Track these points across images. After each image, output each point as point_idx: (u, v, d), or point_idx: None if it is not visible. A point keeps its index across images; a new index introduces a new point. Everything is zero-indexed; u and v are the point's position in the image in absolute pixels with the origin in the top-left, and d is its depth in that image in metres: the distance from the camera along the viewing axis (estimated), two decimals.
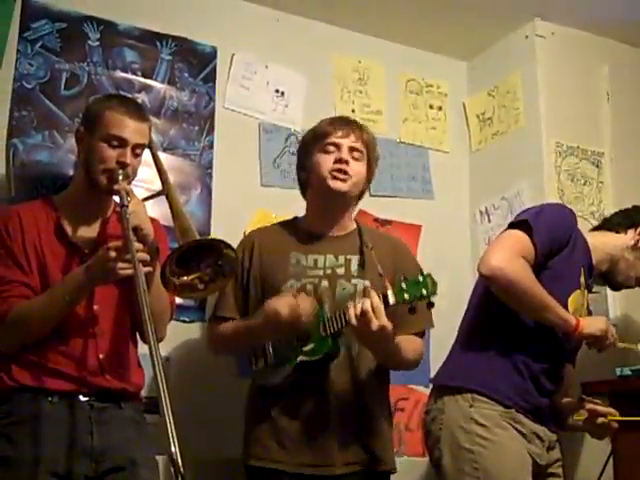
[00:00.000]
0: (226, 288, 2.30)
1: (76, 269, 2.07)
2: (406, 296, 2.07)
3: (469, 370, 2.34)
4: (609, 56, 3.42)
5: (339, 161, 2.28)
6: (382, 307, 2.06)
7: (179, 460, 1.50)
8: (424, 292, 2.07)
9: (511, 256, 2.23)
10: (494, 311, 2.33)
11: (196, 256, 1.99)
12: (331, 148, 2.30)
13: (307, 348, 2.19)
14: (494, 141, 3.42)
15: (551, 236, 2.32)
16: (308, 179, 2.37)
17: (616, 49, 3.45)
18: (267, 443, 2.22)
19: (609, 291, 2.95)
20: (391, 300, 2.08)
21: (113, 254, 1.97)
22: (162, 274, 1.95)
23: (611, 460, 2.63)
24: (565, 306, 2.32)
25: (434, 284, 2.09)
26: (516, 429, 2.26)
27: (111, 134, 2.11)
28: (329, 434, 2.20)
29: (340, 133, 2.32)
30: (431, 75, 3.51)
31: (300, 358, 2.19)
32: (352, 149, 2.31)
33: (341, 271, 2.30)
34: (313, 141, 2.35)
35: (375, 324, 2.05)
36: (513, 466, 2.23)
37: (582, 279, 2.42)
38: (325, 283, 2.27)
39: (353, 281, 2.29)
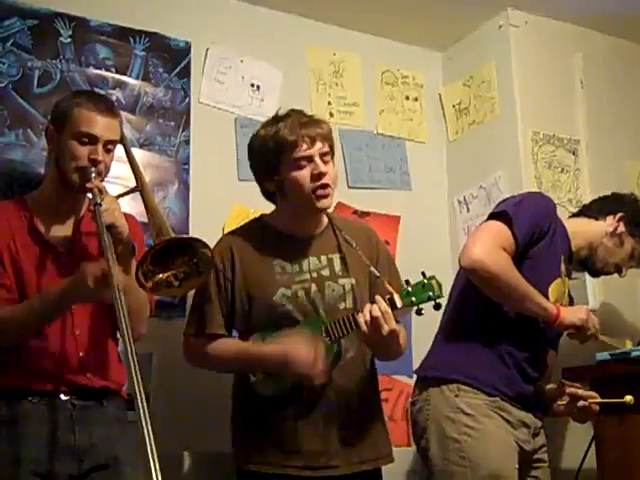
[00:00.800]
0: (210, 305, 2.25)
1: (59, 283, 2.03)
2: (413, 299, 2.09)
3: (453, 361, 2.35)
4: (582, 44, 3.45)
5: (318, 176, 2.21)
6: (390, 312, 2.06)
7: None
8: (430, 294, 2.09)
9: (491, 248, 2.25)
10: (476, 301, 2.35)
11: (171, 253, 1.98)
12: (303, 162, 2.21)
13: None
14: (471, 131, 3.43)
15: (531, 226, 2.33)
16: (280, 189, 2.28)
17: (589, 37, 3.48)
18: (267, 448, 2.18)
19: (588, 278, 2.97)
20: (398, 304, 2.08)
21: (91, 282, 1.94)
22: (136, 273, 1.93)
23: (593, 444, 2.65)
24: (546, 295, 2.34)
25: (440, 286, 2.10)
26: (502, 417, 2.29)
27: (81, 131, 2.09)
28: (331, 435, 2.18)
29: (306, 144, 2.20)
30: (406, 66, 3.51)
31: None
32: (322, 155, 2.23)
33: (326, 272, 2.27)
34: (278, 153, 2.22)
35: (385, 329, 2.05)
36: (499, 454, 2.25)
37: (562, 267, 2.44)
38: (314, 287, 2.24)
39: (340, 281, 2.27)
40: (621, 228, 2.56)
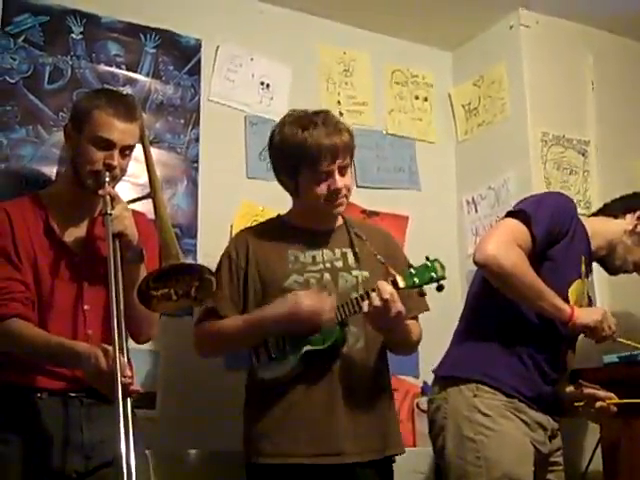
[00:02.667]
0: (221, 291, 2.24)
1: (68, 346, 2.00)
2: (416, 280, 2.11)
3: (472, 361, 2.35)
4: (593, 45, 3.44)
5: (334, 191, 2.24)
6: (395, 292, 2.09)
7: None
8: (433, 275, 2.11)
9: (506, 244, 2.24)
10: (494, 302, 2.34)
11: (175, 272, 1.98)
12: (322, 177, 2.23)
13: (314, 337, 2.18)
14: (480, 131, 3.43)
15: (550, 226, 2.32)
16: (296, 190, 2.31)
17: (600, 38, 3.47)
18: (276, 438, 2.19)
19: (597, 279, 2.96)
20: (401, 284, 2.11)
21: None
22: (139, 291, 1.93)
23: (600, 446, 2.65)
24: (566, 296, 2.33)
25: (443, 268, 2.13)
26: (520, 419, 2.28)
27: (98, 136, 2.09)
28: (340, 423, 2.19)
29: (327, 161, 2.21)
30: (416, 66, 3.51)
31: (306, 348, 2.18)
32: (341, 168, 2.26)
33: (339, 264, 2.30)
34: (299, 161, 2.24)
35: (394, 309, 2.08)
36: (515, 456, 2.24)
37: (582, 268, 2.43)
38: (327, 276, 2.27)
39: (354, 273, 2.29)
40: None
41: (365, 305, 2.10)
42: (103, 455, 2.04)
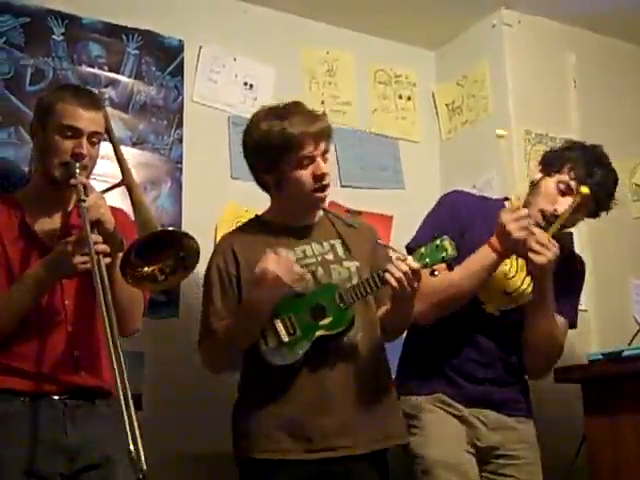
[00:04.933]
0: (214, 306, 2.23)
1: (34, 265, 2.05)
2: (427, 260, 2.11)
3: (403, 374, 2.46)
4: (575, 44, 3.46)
5: (320, 177, 2.23)
6: (418, 267, 2.09)
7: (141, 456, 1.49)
8: (444, 255, 2.10)
9: (424, 304, 2.27)
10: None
11: (157, 247, 1.98)
12: (306, 162, 2.22)
13: (325, 322, 2.17)
14: (464, 130, 3.44)
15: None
16: (277, 184, 2.28)
17: (582, 37, 3.48)
18: (272, 432, 2.16)
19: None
20: (414, 265, 2.09)
21: (70, 248, 1.97)
22: (121, 267, 1.94)
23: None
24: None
25: (452, 246, 2.10)
26: (447, 411, 2.34)
27: (64, 125, 2.08)
28: (339, 415, 2.17)
29: (312, 145, 2.21)
30: (400, 65, 3.51)
31: (319, 333, 2.16)
32: (323, 153, 2.25)
33: (330, 257, 2.28)
34: (281, 150, 2.21)
35: (417, 283, 2.10)
36: (438, 441, 2.30)
37: None
38: (320, 270, 2.25)
39: (345, 264, 2.28)
40: (537, 175, 2.43)
41: (392, 279, 2.08)
42: (88, 457, 2.03)
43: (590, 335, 3.11)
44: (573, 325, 2.51)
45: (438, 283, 2.26)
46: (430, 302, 2.30)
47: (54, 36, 2.78)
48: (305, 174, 2.22)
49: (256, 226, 2.36)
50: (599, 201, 2.35)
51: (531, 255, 2.23)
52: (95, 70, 2.84)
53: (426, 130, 3.52)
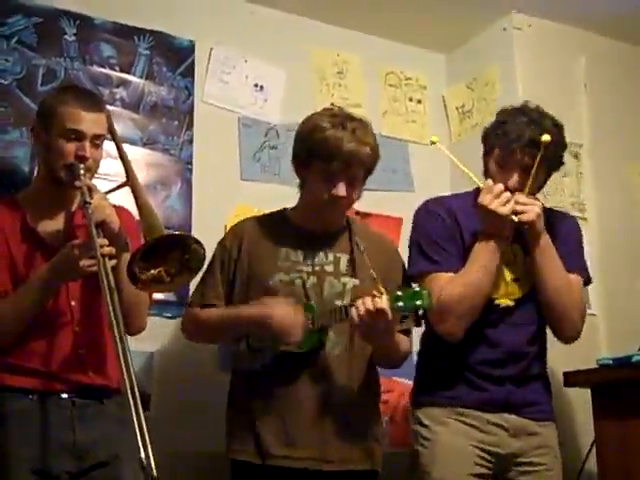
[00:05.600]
0: (212, 278, 2.29)
1: (41, 268, 2.05)
2: (400, 304, 2.06)
3: (421, 383, 2.46)
4: (586, 48, 3.45)
5: (335, 198, 2.21)
6: (388, 309, 2.04)
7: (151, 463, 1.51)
8: (418, 303, 2.05)
9: (449, 320, 2.28)
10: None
11: (163, 249, 1.99)
12: (328, 177, 2.20)
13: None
14: (474, 133, 3.42)
15: (432, 252, 2.36)
16: (302, 183, 2.31)
17: (593, 41, 3.47)
18: (246, 436, 2.20)
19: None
20: (381, 305, 2.04)
21: (77, 252, 1.97)
22: (128, 271, 1.94)
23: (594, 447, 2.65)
24: None
25: (430, 298, 2.06)
26: (463, 422, 2.30)
27: (67, 128, 2.08)
28: (311, 428, 2.18)
29: (341, 164, 2.17)
30: (410, 68, 3.51)
31: (283, 348, 2.18)
32: (351, 179, 2.23)
33: (330, 269, 2.28)
34: (315, 154, 2.20)
35: (382, 324, 2.06)
36: (445, 461, 2.28)
37: None
38: (313, 279, 2.25)
39: (342, 279, 2.27)
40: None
41: (354, 315, 2.06)
42: (97, 455, 2.04)
43: (599, 339, 3.10)
44: (587, 280, 2.49)
45: (453, 291, 2.25)
46: (456, 315, 2.27)
47: (66, 36, 2.79)
48: (321, 188, 2.22)
49: (276, 220, 2.38)
50: (555, 141, 2.31)
51: (519, 217, 2.25)
52: (106, 70, 2.85)
53: (436, 133, 3.50)
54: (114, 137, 2.28)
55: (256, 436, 2.18)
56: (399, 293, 2.07)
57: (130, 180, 2.20)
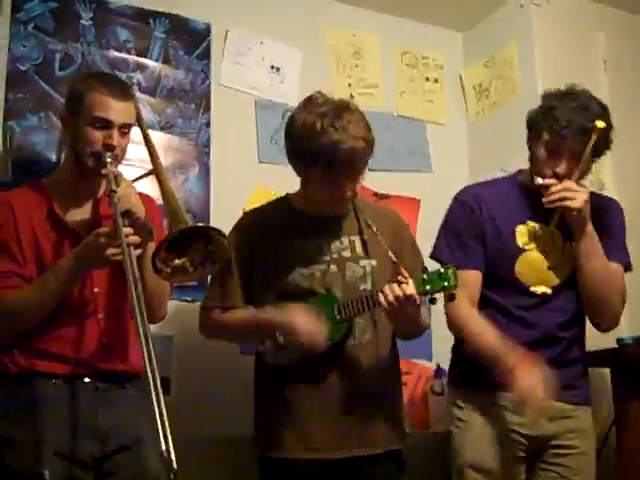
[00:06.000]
0: (228, 278, 2.26)
1: (66, 256, 2.06)
2: (428, 287, 2.08)
3: (458, 364, 2.47)
4: (605, 23, 3.41)
5: (339, 197, 2.19)
6: (415, 293, 2.05)
7: (172, 456, 1.53)
8: (446, 284, 2.07)
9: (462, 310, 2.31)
10: None
11: (187, 239, 1.99)
12: (332, 181, 2.16)
13: None
14: (492, 112, 3.41)
15: (458, 249, 2.38)
16: (304, 180, 2.26)
17: (612, 16, 3.43)
18: (283, 432, 2.19)
19: None
20: (409, 291, 2.05)
21: (103, 240, 1.97)
22: (153, 262, 1.95)
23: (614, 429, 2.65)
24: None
25: (456, 276, 2.07)
26: (498, 404, 2.31)
27: (96, 116, 2.08)
28: (349, 416, 2.19)
29: (342, 167, 2.13)
30: (427, 47, 3.49)
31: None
32: (354, 175, 2.18)
33: (347, 253, 2.27)
34: (315, 159, 2.14)
35: (409, 310, 2.08)
36: (476, 447, 2.31)
37: (523, 230, 2.39)
38: (334, 267, 2.25)
39: (361, 263, 2.27)
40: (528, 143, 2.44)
41: (384, 302, 2.06)
42: (120, 439, 2.06)
43: (621, 320, 3.08)
44: (628, 267, 2.47)
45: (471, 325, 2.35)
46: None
47: (82, 21, 2.79)
48: (326, 191, 2.20)
49: (283, 208, 2.35)
50: (605, 128, 2.31)
51: (567, 203, 2.25)
52: (123, 54, 2.85)
53: (453, 112, 3.50)
54: (141, 125, 2.28)
55: (294, 432, 2.18)
56: (425, 277, 2.08)
57: (156, 168, 2.21)
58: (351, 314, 2.17)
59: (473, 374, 2.34)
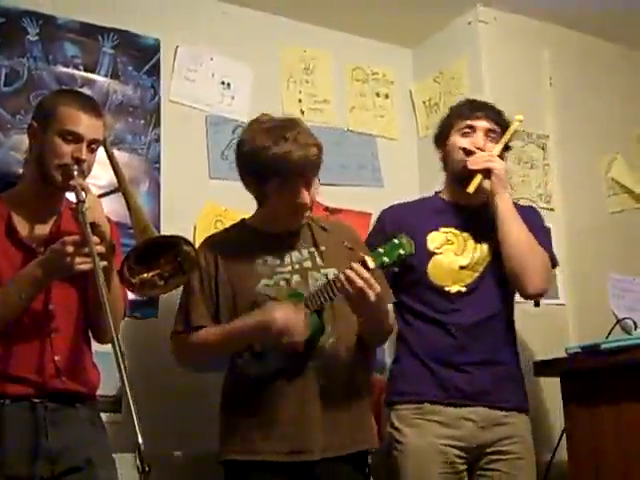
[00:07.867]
0: (194, 299, 2.28)
1: (29, 265, 2.03)
2: (385, 259, 2.14)
3: (392, 382, 2.53)
4: (551, 41, 3.48)
5: (300, 206, 2.26)
6: (369, 275, 2.10)
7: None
8: (401, 252, 2.14)
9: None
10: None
11: (155, 252, 1.99)
12: (290, 191, 2.23)
13: None
14: None
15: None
16: (263, 198, 2.31)
17: (558, 34, 3.50)
18: (248, 434, 2.20)
19: (559, 273, 3.01)
20: (370, 265, 2.12)
21: (70, 249, 1.95)
22: (121, 273, 1.94)
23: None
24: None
25: (410, 244, 2.16)
26: (430, 420, 2.37)
27: (66, 129, 2.08)
28: (312, 419, 2.20)
29: (297, 176, 2.20)
30: (377, 63, 3.52)
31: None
32: (308, 184, 2.25)
33: (308, 264, 2.32)
34: (269, 173, 2.21)
35: (372, 292, 2.10)
36: (416, 465, 2.35)
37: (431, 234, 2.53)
38: (297, 277, 2.28)
39: (322, 271, 2.31)
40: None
41: (347, 284, 2.10)
42: (70, 460, 2.02)
43: (568, 329, 3.14)
44: (554, 260, 2.55)
45: None
46: None
47: (29, 36, 2.76)
48: (286, 202, 2.25)
49: (240, 231, 2.40)
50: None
51: (491, 164, 2.45)
52: (71, 70, 2.82)
53: (404, 127, 3.53)
54: (105, 144, 2.28)
55: (264, 435, 2.19)
56: (380, 250, 2.15)
57: (122, 186, 2.21)
58: (320, 302, 2.19)
59: (404, 389, 2.43)
